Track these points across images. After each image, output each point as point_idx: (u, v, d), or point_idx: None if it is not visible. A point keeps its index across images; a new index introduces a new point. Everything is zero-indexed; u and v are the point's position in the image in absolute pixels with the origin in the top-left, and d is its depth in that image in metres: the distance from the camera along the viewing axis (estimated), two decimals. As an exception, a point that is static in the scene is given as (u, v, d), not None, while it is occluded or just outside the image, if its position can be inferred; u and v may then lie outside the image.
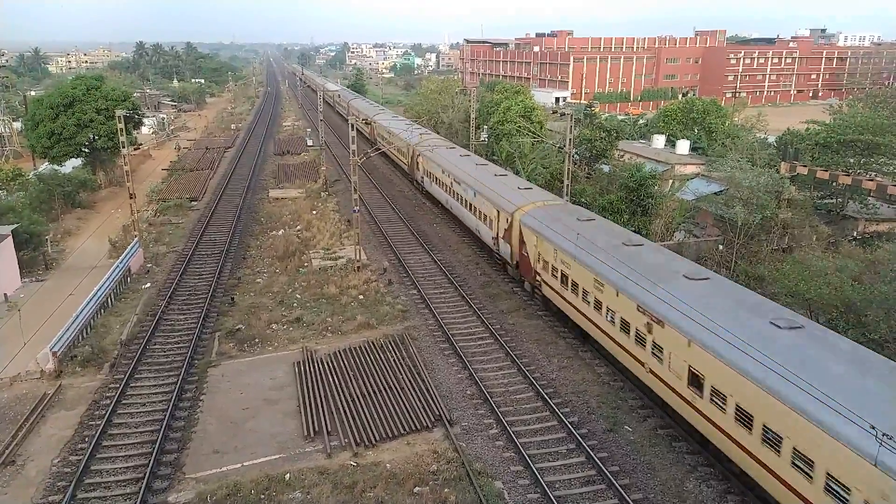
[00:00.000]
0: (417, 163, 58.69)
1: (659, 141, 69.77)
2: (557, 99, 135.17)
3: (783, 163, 46.56)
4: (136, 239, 42.47)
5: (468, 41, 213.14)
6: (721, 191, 46.63)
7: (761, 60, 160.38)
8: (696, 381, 20.53)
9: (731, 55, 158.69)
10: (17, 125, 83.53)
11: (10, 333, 31.69)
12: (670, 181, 53.10)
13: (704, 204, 46.78)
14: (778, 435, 17.09)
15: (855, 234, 44.15)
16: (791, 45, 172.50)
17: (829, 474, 15.50)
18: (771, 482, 17.55)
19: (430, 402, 25.10)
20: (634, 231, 38.21)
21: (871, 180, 43.12)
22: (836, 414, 15.46)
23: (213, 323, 33.14)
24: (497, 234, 38.08)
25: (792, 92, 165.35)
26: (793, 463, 16.59)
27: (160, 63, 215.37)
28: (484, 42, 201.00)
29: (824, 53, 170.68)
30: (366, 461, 21.88)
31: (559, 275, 29.98)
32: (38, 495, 20.51)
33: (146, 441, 22.95)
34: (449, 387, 26.71)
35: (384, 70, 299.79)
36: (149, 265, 41.58)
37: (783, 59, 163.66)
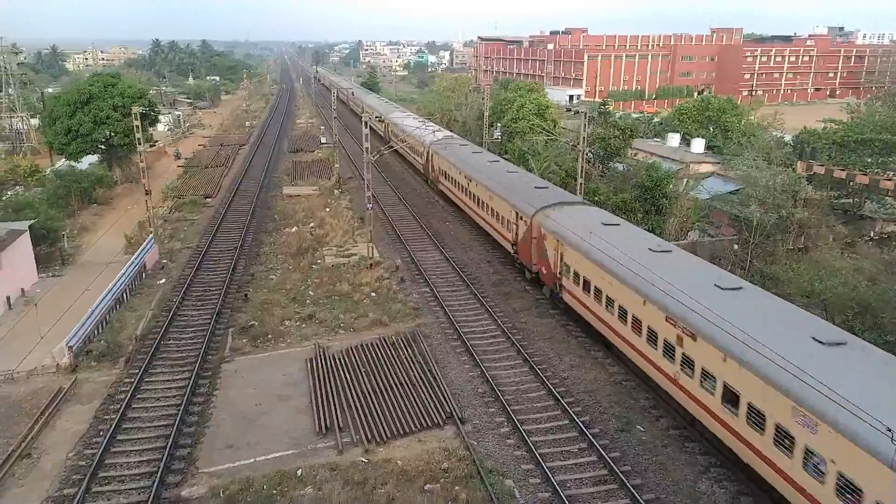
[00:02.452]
0: (432, 162, 57.63)
1: (674, 139, 69.41)
2: (571, 97, 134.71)
3: (800, 162, 46.19)
4: (151, 235, 42.83)
5: (482, 39, 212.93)
6: (736, 190, 46.26)
7: (778, 58, 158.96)
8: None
9: (748, 53, 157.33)
10: (35, 122, 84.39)
11: (26, 328, 32.07)
12: (685, 180, 52.74)
13: (720, 203, 46.43)
14: None
15: (872, 235, 43.66)
16: (808, 43, 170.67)
17: None
18: None
19: (442, 399, 25.11)
20: (648, 230, 37.92)
21: (890, 180, 42.67)
22: None
23: (227, 319, 33.35)
24: (516, 238, 37.23)
25: (809, 90, 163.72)
26: None
27: (176, 60, 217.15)
28: (498, 40, 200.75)
29: (842, 51, 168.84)
30: (377, 458, 21.94)
31: (590, 289, 28.16)
32: (54, 488, 20.74)
33: (160, 435, 23.14)
34: (460, 385, 26.71)
35: (398, 68, 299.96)
36: (164, 261, 41.90)
37: (800, 58, 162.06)
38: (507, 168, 45.77)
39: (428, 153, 58.65)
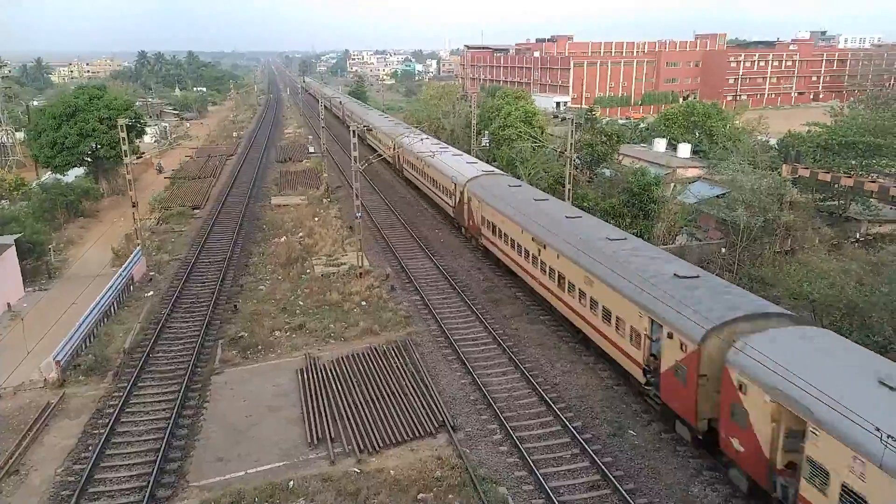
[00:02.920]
0: (469, 208, 43.61)
1: (660, 144, 70.03)
2: (558, 104, 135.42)
3: (785, 165, 46.54)
4: (138, 247, 42.57)
5: (469, 47, 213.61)
6: (723, 194, 46.65)
7: (762, 63, 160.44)
8: None
9: (732, 58, 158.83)
10: (20, 135, 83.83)
11: (13, 343, 31.74)
12: (672, 184, 53.11)
13: (706, 207, 46.77)
14: None
15: (857, 236, 44.12)
16: (791, 47, 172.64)
17: None
18: None
19: (434, 407, 25.05)
20: (637, 235, 38.10)
21: (874, 182, 43.11)
22: None
23: (216, 330, 33.13)
24: (656, 363, 23.05)
25: (793, 94, 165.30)
26: None
27: (162, 72, 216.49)
28: (484, 48, 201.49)
29: (825, 55, 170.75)
30: (369, 468, 21.84)
31: None
32: (42, 505, 20.51)
33: (150, 449, 22.92)
34: (452, 392, 26.65)
35: (385, 77, 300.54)
36: (151, 273, 41.62)
37: (783, 62, 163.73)
38: (606, 231, 30.86)
39: (462, 195, 44.63)
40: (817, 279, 29.30)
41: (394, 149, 67.58)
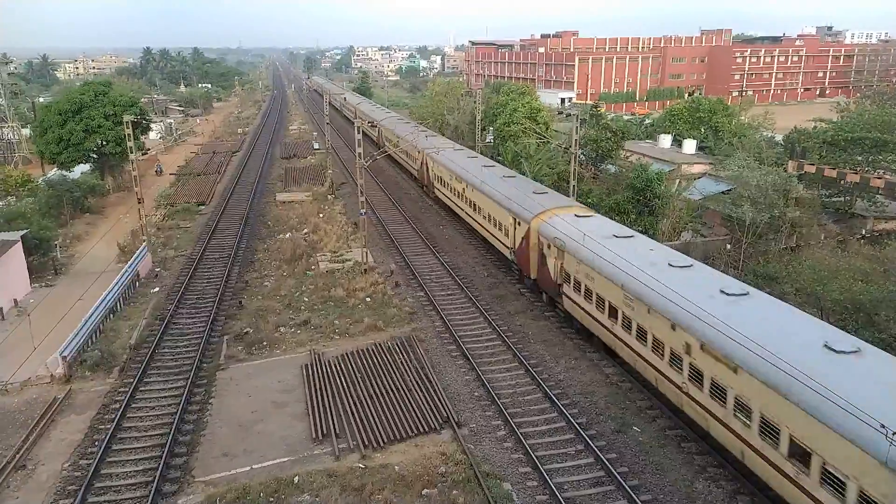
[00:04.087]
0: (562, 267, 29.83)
1: (665, 140, 69.73)
2: (563, 100, 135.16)
3: (791, 161, 46.44)
4: (144, 243, 42.70)
5: (473, 43, 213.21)
6: (728, 190, 46.52)
7: (768, 59, 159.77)
8: None
9: (738, 54, 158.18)
10: (26, 131, 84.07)
11: (20, 338, 31.89)
12: (677, 181, 52.93)
13: (712, 203, 46.66)
14: None
15: (864, 233, 43.97)
16: (797, 43, 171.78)
17: None
18: None
19: (438, 403, 25.10)
20: (641, 231, 37.97)
21: (880, 178, 43.02)
22: None
23: (222, 326, 33.26)
24: None
25: (799, 90, 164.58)
26: None
27: (167, 68, 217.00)
28: (489, 44, 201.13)
29: (831, 51, 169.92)
30: (374, 463, 21.91)
31: None
32: (49, 499, 20.63)
33: (156, 444, 23.05)
34: (457, 388, 26.71)
35: (390, 73, 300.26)
36: (157, 269, 41.77)
37: (790, 58, 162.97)
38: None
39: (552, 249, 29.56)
40: (830, 280, 29.15)
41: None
